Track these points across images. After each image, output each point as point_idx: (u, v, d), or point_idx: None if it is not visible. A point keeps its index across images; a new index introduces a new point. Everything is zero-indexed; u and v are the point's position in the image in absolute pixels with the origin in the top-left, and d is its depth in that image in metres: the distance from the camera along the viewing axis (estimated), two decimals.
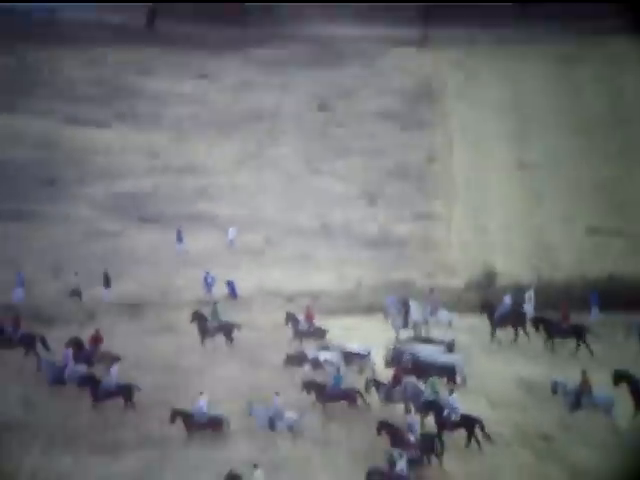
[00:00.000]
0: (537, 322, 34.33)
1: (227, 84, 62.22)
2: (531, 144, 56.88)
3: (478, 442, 26.58)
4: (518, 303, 35.60)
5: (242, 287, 37.93)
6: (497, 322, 34.42)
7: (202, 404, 27.84)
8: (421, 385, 28.62)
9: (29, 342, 31.78)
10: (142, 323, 34.79)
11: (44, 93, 58.70)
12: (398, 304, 34.50)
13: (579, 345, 33.71)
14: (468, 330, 34.86)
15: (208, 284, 37.86)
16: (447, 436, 26.59)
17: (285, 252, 43.23)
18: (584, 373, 29.17)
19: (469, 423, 26.84)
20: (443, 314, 34.96)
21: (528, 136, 58.10)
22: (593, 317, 35.72)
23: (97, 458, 25.73)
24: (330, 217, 47.13)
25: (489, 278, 39.79)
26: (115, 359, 30.51)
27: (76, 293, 37.16)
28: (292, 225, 46.10)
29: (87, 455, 26.12)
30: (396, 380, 29.24)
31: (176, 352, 32.50)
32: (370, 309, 35.58)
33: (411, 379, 29.07)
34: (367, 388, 29.08)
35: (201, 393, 28.02)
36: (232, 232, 43.73)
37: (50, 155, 52.37)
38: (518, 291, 36.54)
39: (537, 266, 41.34)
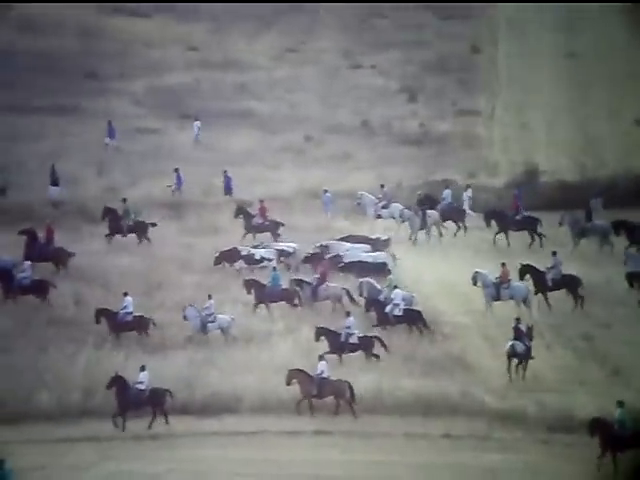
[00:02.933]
0: (489, 216, 34.22)
1: None
2: (578, 34, 55.28)
3: (420, 331, 27.54)
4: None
5: (283, 187, 37.92)
6: (440, 216, 34.51)
7: (127, 303, 27.38)
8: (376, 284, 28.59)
9: None
10: (183, 223, 35.12)
11: None
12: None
13: (532, 238, 33.62)
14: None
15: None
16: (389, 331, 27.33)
17: (325, 151, 42.91)
18: (503, 265, 29.43)
19: (411, 317, 27.68)
20: (394, 207, 34.98)
21: (576, 25, 56.40)
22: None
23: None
24: (370, 114, 46.52)
25: (531, 176, 39.40)
26: (69, 255, 30.04)
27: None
28: (332, 122, 45.61)
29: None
30: (321, 279, 29.25)
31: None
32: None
33: (367, 279, 29.03)
34: (290, 286, 29.07)
35: (125, 294, 27.56)
36: (197, 126, 42.83)
37: (91, 46, 52.01)
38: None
39: (581, 162, 40.78)
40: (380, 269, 30.30)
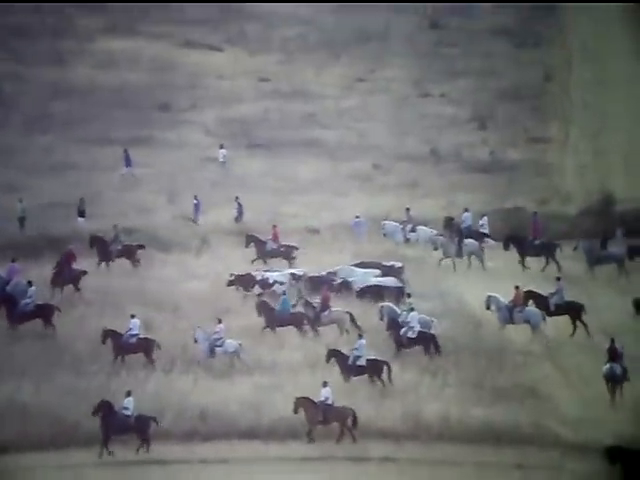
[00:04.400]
0: (508, 241, 34.12)
1: (335, 4, 61.34)
2: None
3: (431, 354, 27.45)
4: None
5: (350, 214, 37.92)
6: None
7: (133, 325, 27.38)
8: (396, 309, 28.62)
9: None
10: (250, 250, 35.33)
11: (159, 15, 59.23)
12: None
13: (548, 262, 33.40)
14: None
15: (196, 207, 37.67)
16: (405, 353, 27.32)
17: (393, 178, 43.00)
18: (517, 288, 29.15)
19: (425, 340, 27.50)
20: (421, 231, 35.19)
21: None
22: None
23: None
24: (439, 142, 46.45)
25: (607, 203, 38.74)
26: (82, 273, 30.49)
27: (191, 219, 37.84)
28: (400, 150, 45.67)
29: None
30: (324, 303, 29.26)
31: None
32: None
33: (387, 303, 29.05)
34: (304, 308, 29.09)
35: (132, 316, 27.63)
36: (222, 153, 43.23)
37: (164, 79, 53.14)
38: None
39: None
40: (397, 293, 30.36)
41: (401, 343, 27.80)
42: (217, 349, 27.42)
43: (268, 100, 51.38)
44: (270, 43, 57.82)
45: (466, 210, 35.99)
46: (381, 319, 28.61)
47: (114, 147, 44.83)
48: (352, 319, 28.92)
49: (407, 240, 35.32)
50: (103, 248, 33.67)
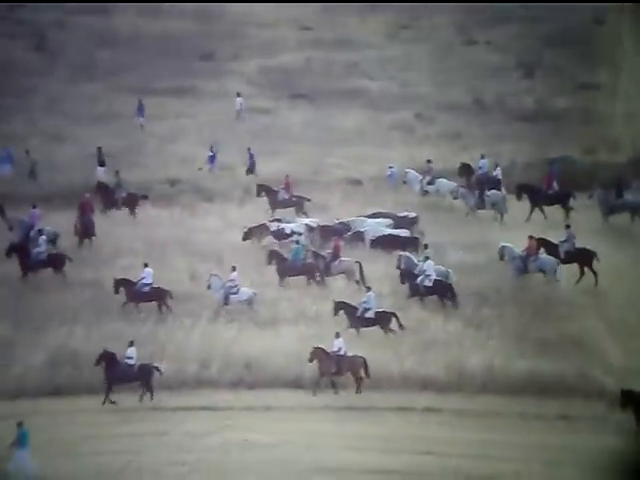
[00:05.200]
0: (520, 189, 33.51)
1: None
2: None
3: (451, 301, 27.33)
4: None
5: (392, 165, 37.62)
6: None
7: (146, 274, 27.53)
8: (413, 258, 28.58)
9: None
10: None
11: None
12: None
13: (566, 211, 32.94)
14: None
15: (211, 158, 37.39)
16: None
17: (436, 129, 42.43)
18: (530, 238, 28.82)
19: (441, 289, 27.31)
20: (439, 183, 34.70)
21: None
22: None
23: None
24: (483, 91, 45.68)
25: None
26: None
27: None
28: (443, 100, 45.02)
29: None
30: (335, 253, 29.15)
31: None
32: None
33: (405, 253, 28.99)
34: (314, 259, 29.08)
35: (145, 265, 27.72)
36: (239, 102, 42.83)
37: (207, 28, 52.80)
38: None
39: None
40: (411, 243, 30.22)
41: (417, 292, 27.79)
42: (231, 297, 27.45)
43: (310, 49, 50.88)
44: None
45: (482, 157, 35.46)
46: (398, 268, 28.52)
47: (157, 97, 44.82)
48: (361, 270, 28.81)
49: (425, 192, 35.05)
50: (108, 196, 33.50)
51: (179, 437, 22.52)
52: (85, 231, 31.14)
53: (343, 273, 29.15)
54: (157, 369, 24.28)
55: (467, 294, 27.62)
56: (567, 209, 33.36)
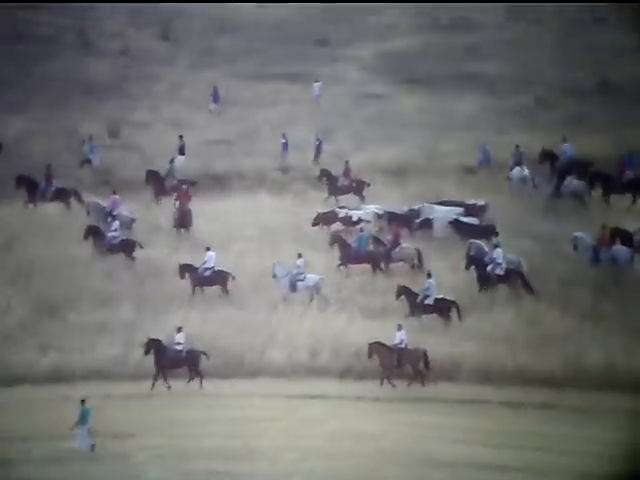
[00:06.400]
0: (593, 178, 32.18)
1: None
2: None
3: (526, 289, 26.61)
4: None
5: (508, 151, 36.68)
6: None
7: (208, 258, 27.67)
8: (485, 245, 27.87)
9: (63, 196, 32.65)
10: (405, 189, 34.92)
11: None
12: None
13: (634, 200, 31.50)
14: None
15: (284, 145, 36.93)
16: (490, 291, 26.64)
17: (558, 113, 41.06)
18: (603, 228, 27.78)
19: (512, 277, 26.69)
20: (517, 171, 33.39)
21: None
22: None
23: None
24: (609, 73, 43.91)
25: None
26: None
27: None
28: (566, 83, 43.58)
29: None
30: (395, 241, 28.68)
31: None
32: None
33: (477, 240, 28.35)
34: (375, 248, 28.67)
35: (207, 249, 27.78)
36: (318, 87, 42.05)
37: (322, 13, 52.80)
38: None
39: None
40: (487, 232, 29.52)
41: (488, 280, 27.28)
42: (298, 283, 27.53)
43: (426, 33, 50.15)
44: None
45: (564, 140, 34.19)
46: (468, 254, 28.04)
47: (273, 83, 45.07)
48: (419, 256, 28.47)
49: (508, 178, 33.88)
50: (158, 183, 33.62)
51: (293, 424, 22.60)
52: (183, 220, 31.54)
53: (402, 260, 28.87)
54: (204, 354, 24.49)
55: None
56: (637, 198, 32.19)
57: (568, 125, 39.60)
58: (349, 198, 33.39)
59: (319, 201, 34.17)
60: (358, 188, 33.47)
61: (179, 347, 24.71)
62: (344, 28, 51.13)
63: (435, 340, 25.17)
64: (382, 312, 26.86)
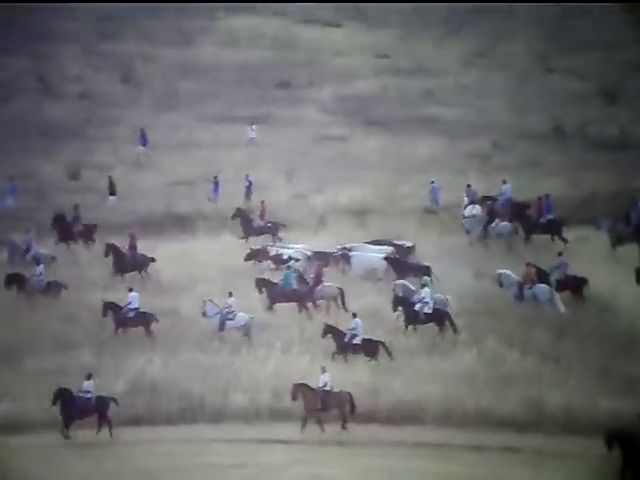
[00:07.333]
0: (514, 218, 33.10)
1: None
2: None
3: (454, 330, 26.91)
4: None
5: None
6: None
7: (132, 299, 27.51)
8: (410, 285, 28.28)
9: None
10: (366, 230, 35.10)
11: None
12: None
13: (553, 239, 32.51)
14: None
15: (215, 187, 37.03)
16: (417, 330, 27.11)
17: (514, 157, 41.88)
18: (527, 265, 28.61)
19: (439, 317, 27.07)
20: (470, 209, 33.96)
21: None
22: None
23: None
24: (563, 119, 44.96)
25: None
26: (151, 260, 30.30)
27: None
28: (522, 128, 44.49)
29: None
30: (317, 279, 28.89)
31: None
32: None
33: (403, 280, 28.82)
34: (299, 286, 28.87)
35: (130, 289, 27.78)
36: (251, 131, 42.74)
37: (284, 56, 53.29)
38: None
39: None
40: (420, 271, 29.85)
41: (415, 319, 27.52)
42: (228, 322, 27.27)
43: (386, 77, 50.83)
44: (388, 18, 57.09)
45: (504, 182, 34.72)
46: (397, 295, 28.16)
47: (236, 125, 45.30)
48: (342, 295, 28.54)
49: (463, 216, 34.31)
50: (64, 228, 33.27)
51: (255, 470, 22.38)
52: (137, 267, 30.97)
53: (323, 298, 28.92)
54: (114, 400, 24.03)
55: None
56: (562, 239, 32.77)
57: (523, 168, 40.27)
58: (265, 238, 33.28)
59: (283, 240, 34.02)
60: (273, 229, 33.47)
61: (88, 395, 24.14)
62: (304, 71, 51.68)
63: (401, 380, 25.09)
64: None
